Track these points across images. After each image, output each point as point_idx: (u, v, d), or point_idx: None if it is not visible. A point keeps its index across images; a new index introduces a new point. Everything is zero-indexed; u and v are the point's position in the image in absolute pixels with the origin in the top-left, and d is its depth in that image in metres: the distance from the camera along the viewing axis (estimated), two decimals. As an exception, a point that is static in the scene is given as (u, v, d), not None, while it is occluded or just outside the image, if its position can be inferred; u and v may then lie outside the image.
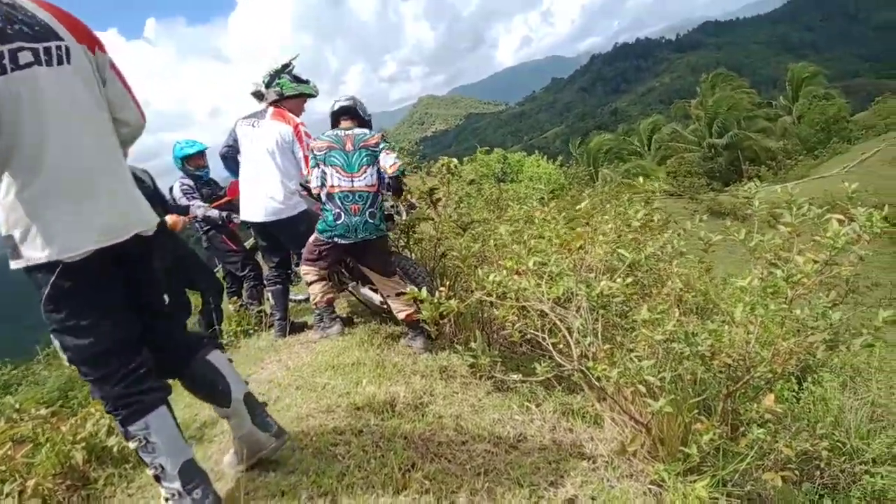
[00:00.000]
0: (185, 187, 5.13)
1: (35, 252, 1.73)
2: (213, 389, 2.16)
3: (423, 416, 2.83)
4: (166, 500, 1.93)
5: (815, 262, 2.48)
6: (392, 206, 4.31)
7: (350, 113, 3.92)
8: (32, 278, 1.78)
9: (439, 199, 4.91)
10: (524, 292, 2.94)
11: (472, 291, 3.92)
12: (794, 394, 3.69)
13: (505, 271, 3.00)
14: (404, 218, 6.23)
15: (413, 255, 4.44)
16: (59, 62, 1.77)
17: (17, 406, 2.68)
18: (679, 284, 3.58)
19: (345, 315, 4.62)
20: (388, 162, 3.71)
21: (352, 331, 4.17)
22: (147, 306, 2.04)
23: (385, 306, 4.19)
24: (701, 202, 21.56)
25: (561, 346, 2.86)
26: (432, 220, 4.96)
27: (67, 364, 1.89)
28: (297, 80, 4.24)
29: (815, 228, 2.79)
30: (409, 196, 6.33)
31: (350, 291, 4.69)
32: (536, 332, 2.95)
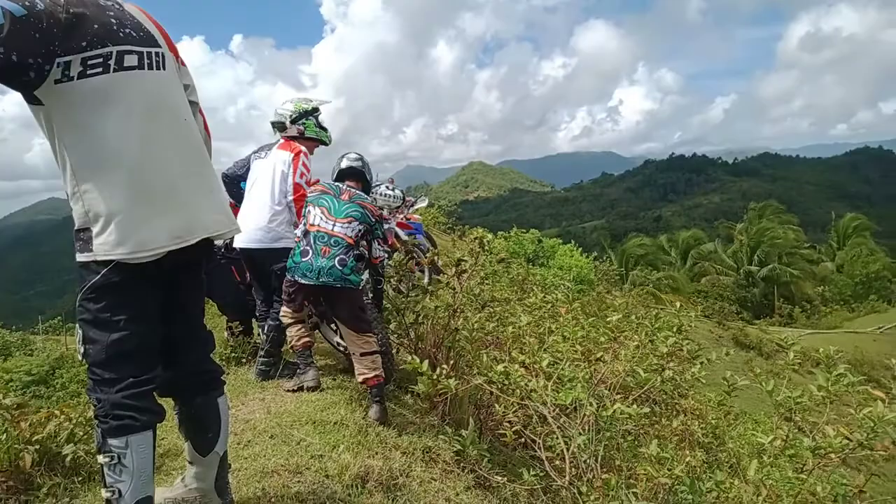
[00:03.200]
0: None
1: (108, 248, 1.72)
2: (202, 432, 2.06)
3: (393, 500, 2.62)
4: None
5: (848, 439, 2.28)
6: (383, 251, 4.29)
7: (357, 176, 3.90)
8: (84, 267, 1.76)
9: (464, 272, 4.79)
10: (530, 392, 2.76)
11: (474, 374, 3.74)
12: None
13: (516, 365, 2.84)
14: (427, 280, 6.12)
15: (428, 322, 4.27)
16: (158, 67, 1.85)
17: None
18: (691, 422, 3.37)
19: (342, 367, 4.45)
20: (375, 253, 3.82)
21: (344, 383, 4.00)
22: (185, 319, 2.01)
23: (341, 349, 4.08)
24: (727, 328, 21.00)
25: (557, 459, 2.66)
26: (453, 289, 4.83)
27: (80, 359, 1.81)
28: (321, 126, 4.36)
29: (848, 392, 2.60)
30: (436, 258, 6.24)
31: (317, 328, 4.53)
32: (534, 437, 2.76)
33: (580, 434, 2.61)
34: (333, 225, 3.57)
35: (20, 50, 1.50)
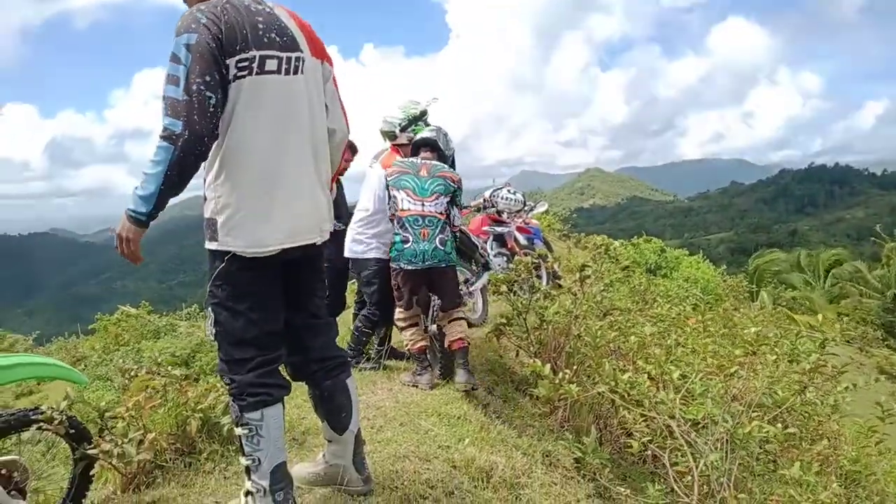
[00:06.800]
0: None
1: (230, 240, 1.87)
2: (337, 413, 2.21)
3: (517, 498, 2.66)
4: (248, 493, 1.99)
5: None
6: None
7: (431, 145, 3.90)
8: (212, 255, 1.94)
9: (587, 277, 4.74)
10: (658, 405, 2.70)
11: (595, 382, 3.68)
12: None
13: (643, 376, 2.79)
14: (545, 284, 6.10)
15: (550, 326, 4.25)
16: (294, 73, 1.95)
17: (158, 360, 2.90)
18: (835, 448, 3.13)
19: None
20: (455, 221, 3.81)
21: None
22: (306, 307, 2.16)
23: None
24: (871, 356, 19.01)
25: (685, 475, 2.57)
26: (574, 294, 4.79)
27: (211, 338, 2.00)
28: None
29: None
30: (555, 264, 6.21)
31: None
32: (661, 451, 2.69)
33: (712, 451, 2.51)
34: (423, 205, 3.63)
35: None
